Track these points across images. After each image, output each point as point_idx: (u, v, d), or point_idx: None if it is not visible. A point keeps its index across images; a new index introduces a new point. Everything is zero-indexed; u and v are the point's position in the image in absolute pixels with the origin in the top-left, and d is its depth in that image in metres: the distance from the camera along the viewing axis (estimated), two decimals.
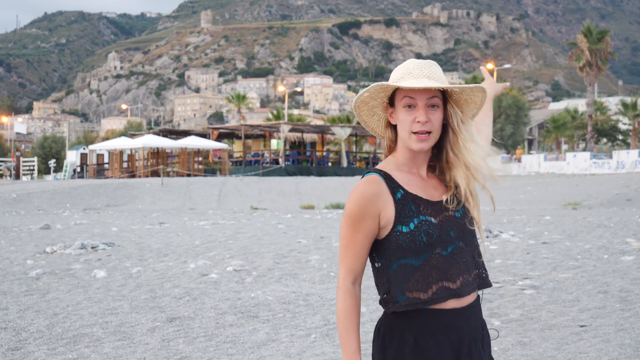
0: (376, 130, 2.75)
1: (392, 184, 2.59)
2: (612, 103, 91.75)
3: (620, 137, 79.05)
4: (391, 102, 2.64)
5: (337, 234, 14.31)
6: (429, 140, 2.57)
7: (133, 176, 48.76)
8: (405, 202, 2.56)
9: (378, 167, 2.64)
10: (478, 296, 2.63)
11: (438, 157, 2.67)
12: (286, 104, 72.87)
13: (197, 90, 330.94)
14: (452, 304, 2.53)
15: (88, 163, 56.67)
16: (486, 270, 2.67)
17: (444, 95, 2.62)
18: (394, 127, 2.67)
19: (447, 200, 2.61)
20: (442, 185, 2.66)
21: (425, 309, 2.52)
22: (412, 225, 2.53)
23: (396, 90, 2.61)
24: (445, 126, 2.63)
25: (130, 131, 76.32)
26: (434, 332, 2.51)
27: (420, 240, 2.51)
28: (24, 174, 61.76)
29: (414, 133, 2.55)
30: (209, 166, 55.04)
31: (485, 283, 2.64)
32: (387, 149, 2.70)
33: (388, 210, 2.55)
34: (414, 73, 2.57)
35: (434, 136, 2.58)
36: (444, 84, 2.57)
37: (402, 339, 2.53)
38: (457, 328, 2.53)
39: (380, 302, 2.62)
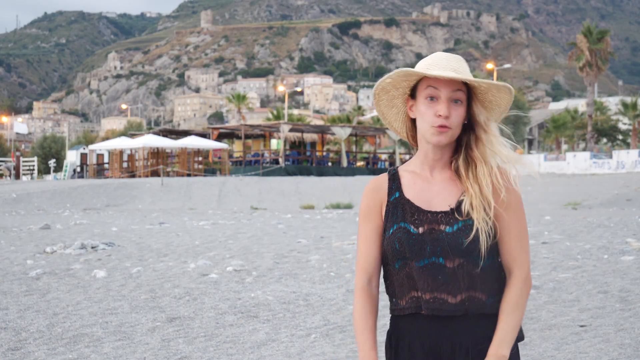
0: (393, 124, 2.64)
1: (394, 185, 2.54)
2: (612, 103, 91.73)
3: (620, 137, 79.04)
4: (413, 93, 2.53)
5: (337, 234, 14.31)
6: (447, 134, 2.44)
7: (133, 176, 48.76)
8: (397, 205, 2.50)
9: (403, 164, 2.60)
10: (476, 316, 2.44)
11: (456, 157, 2.53)
12: (286, 104, 72.86)
13: (197, 90, 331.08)
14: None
15: (88, 163, 56.66)
16: (487, 294, 2.44)
17: (469, 93, 2.49)
18: (413, 121, 2.56)
19: (446, 212, 2.45)
20: (454, 192, 2.49)
21: (409, 313, 2.48)
22: (391, 231, 2.47)
23: (419, 81, 2.49)
24: (466, 125, 2.51)
25: (130, 131, 76.33)
26: (409, 337, 2.48)
27: (394, 247, 2.45)
28: (24, 174, 61.75)
29: (435, 127, 2.44)
30: (209, 166, 55.03)
31: (477, 308, 2.43)
32: (410, 142, 2.61)
33: (382, 211, 2.53)
34: (441, 65, 2.45)
35: (452, 132, 2.45)
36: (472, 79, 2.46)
37: (390, 341, 2.55)
38: (432, 334, 2.45)
39: None
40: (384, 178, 2.57)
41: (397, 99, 2.58)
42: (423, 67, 2.48)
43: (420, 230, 2.44)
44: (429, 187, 2.51)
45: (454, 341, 2.43)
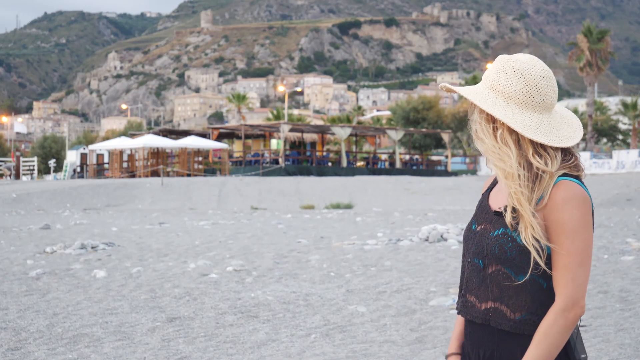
0: None
1: (493, 182, 2.49)
2: (612, 103, 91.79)
3: (620, 137, 79.07)
4: None
5: (337, 234, 14.31)
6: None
7: (133, 176, 48.76)
8: (480, 202, 2.46)
9: None
10: (501, 330, 2.32)
11: None
12: (286, 104, 72.88)
13: (197, 90, 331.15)
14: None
15: (88, 163, 56.67)
16: (516, 311, 2.28)
17: None
18: None
19: (496, 213, 2.35)
20: None
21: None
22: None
23: None
24: None
25: (130, 131, 76.33)
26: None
27: (461, 242, 2.49)
28: (24, 174, 61.73)
29: None
30: (209, 166, 55.05)
31: (499, 322, 2.30)
32: None
33: None
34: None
35: (478, 143, 2.39)
36: (465, 89, 2.36)
37: None
38: (467, 338, 2.43)
39: None
40: (490, 178, 2.54)
41: None
42: None
43: (478, 228, 2.38)
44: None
45: (480, 351, 2.36)
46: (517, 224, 2.27)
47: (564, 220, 2.24)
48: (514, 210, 2.29)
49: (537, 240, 2.24)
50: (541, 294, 2.28)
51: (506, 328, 2.29)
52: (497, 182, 2.45)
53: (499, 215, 2.32)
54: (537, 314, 2.27)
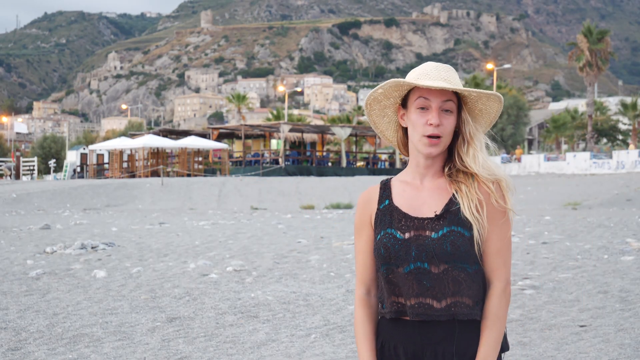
0: (385, 132, 2.66)
1: (385, 193, 2.57)
2: (612, 103, 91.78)
3: (620, 137, 79.06)
4: (404, 103, 2.56)
5: (337, 234, 14.31)
6: (439, 145, 2.47)
7: (133, 176, 48.75)
8: (386, 212, 2.53)
9: (397, 175, 2.64)
10: (459, 321, 2.46)
11: (449, 164, 2.56)
12: (286, 104, 72.91)
13: (197, 90, 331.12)
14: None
15: (88, 163, 56.66)
16: (474, 300, 2.46)
17: (459, 102, 2.53)
18: (405, 130, 2.59)
19: (432, 218, 2.48)
20: (442, 199, 2.52)
21: (391, 317, 2.51)
22: (378, 237, 2.51)
23: (411, 91, 2.52)
24: (456, 133, 2.54)
25: (131, 131, 76.31)
26: (394, 341, 2.51)
27: (379, 252, 2.49)
28: (24, 174, 61.72)
29: (426, 136, 2.47)
30: (209, 166, 55.04)
31: (464, 314, 2.45)
32: (401, 151, 2.64)
33: (373, 219, 2.57)
34: (431, 75, 2.48)
35: (443, 141, 2.48)
36: (461, 88, 2.49)
37: (378, 344, 2.57)
38: (413, 339, 2.47)
39: None
40: (375, 188, 2.62)
41: (388, 109, 2.62)
42: (413, 77, 2.52)
43: (407, 235, 2.47)
44: (418, 194, 2.55)
45: (437, 348, 2.45)
46: (466, 219, 2.45)
47: (498, 215, 2.50)
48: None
49: (480, 227, 2.47)
50: (483, 279, 2.50)
51: (471, 317, 2.45)
52: (389, 192, 2.57)
53: (437, 218, 2.47)
54: (482, 299, 2.48)
